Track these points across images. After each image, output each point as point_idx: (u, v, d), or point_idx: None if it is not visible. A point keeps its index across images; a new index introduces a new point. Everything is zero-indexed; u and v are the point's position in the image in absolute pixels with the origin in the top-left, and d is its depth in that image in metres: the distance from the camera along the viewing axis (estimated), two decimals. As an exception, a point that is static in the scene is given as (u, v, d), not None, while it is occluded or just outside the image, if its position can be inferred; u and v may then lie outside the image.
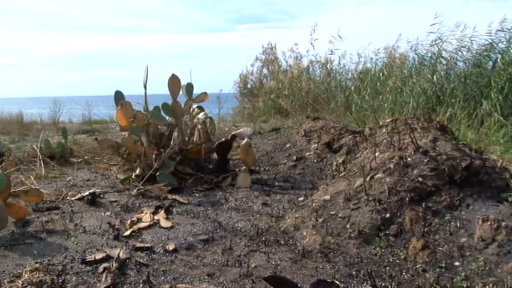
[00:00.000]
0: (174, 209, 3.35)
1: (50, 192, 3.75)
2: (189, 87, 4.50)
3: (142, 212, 3.21)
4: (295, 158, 4.81)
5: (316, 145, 5.09)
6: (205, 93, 4.64)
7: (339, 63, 10.55)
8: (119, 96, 4.23)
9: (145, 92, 4.37)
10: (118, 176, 4.26)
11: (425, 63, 8.10)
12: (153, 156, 3.91)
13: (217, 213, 3.25)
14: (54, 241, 2.69)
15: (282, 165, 4.72)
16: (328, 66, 10.34)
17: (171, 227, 2.94)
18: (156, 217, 3.11)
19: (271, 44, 15.75)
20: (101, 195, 3.65)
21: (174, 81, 4.16)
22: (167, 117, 4.45)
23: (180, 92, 4.44)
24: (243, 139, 4.07)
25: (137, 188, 3.67)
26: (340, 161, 4.04)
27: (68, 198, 3.58)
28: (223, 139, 4.17)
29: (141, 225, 2.96)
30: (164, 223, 2.99)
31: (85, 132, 9.14)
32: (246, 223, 3.03)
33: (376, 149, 3.47)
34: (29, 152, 5.33)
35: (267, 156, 5.30)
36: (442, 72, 7.08)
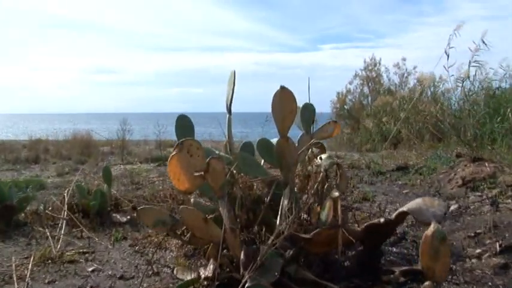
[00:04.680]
0: None
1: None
2: (309, 111, 2.48)
3: None
4: (497, 246, 2.58)
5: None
6: (334, 122, 2.61)
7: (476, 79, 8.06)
8: (180, 126, 2.32)
9: (229, 119, 2.41)
10: (175, 271, 2.31)
11: None
12: (243, 251, 1.91)
13: None
14: None
15: (475, 260, 2.51)
16: (465, 84, 7.81)
17: None
18: None
19: (374, 59, 13.50)
20: None
21: (285, 99, 2.13)
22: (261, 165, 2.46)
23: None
24: (426, 223, 1.93)
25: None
26: None
27: None
28: (380, 220, 2.06)
29: None
30: None
31: (154, 160, 7.47)
32: None
33: None
34: (56, 203, 3.58)
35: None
36: None
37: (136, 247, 2.76)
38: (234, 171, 2.29)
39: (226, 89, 2.43)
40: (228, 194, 2.08)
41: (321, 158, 2.61)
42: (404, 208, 1.98)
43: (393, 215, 2.04)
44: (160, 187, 4.71)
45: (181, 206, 2.03)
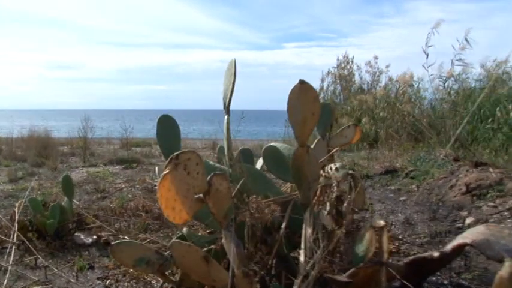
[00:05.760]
0: None
1: None
2: (327, 112, 2.00)
3: None
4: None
5: None
6: (355, 125, 2.14)
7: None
8: (164, 131, 1.80)
9: (228, 121, 1.89)
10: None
11: None
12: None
13: None
14: None
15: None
16: (448, 83, 7.50)
17: None
18: None
19: (347, 57, 13.22)
20: None
21: (305, 97, 1.64)
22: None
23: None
24: (497, 259, 1.49)
25: None
26: None
27: None
28: (433, 254, 1.60)
29: None
30: None
31: (120, 162, 6.82)
32: None
33: None
34: (4, 220, 2.95)
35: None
36: None
37: (107, 281, 2.20)
38: (237, 188, 1.78)
39: (224, 82, 1.92)
40: (233, 221, 1.57)
41: (337, 169, 2.14)
42: (466, 240, 1.52)
43: (449, 247, 1.58)
44: (130, 196, 4.15)
45: (172, 240, 1.50)
